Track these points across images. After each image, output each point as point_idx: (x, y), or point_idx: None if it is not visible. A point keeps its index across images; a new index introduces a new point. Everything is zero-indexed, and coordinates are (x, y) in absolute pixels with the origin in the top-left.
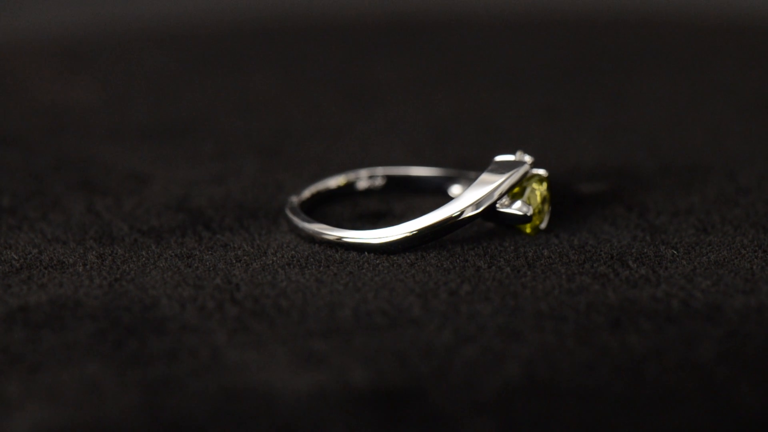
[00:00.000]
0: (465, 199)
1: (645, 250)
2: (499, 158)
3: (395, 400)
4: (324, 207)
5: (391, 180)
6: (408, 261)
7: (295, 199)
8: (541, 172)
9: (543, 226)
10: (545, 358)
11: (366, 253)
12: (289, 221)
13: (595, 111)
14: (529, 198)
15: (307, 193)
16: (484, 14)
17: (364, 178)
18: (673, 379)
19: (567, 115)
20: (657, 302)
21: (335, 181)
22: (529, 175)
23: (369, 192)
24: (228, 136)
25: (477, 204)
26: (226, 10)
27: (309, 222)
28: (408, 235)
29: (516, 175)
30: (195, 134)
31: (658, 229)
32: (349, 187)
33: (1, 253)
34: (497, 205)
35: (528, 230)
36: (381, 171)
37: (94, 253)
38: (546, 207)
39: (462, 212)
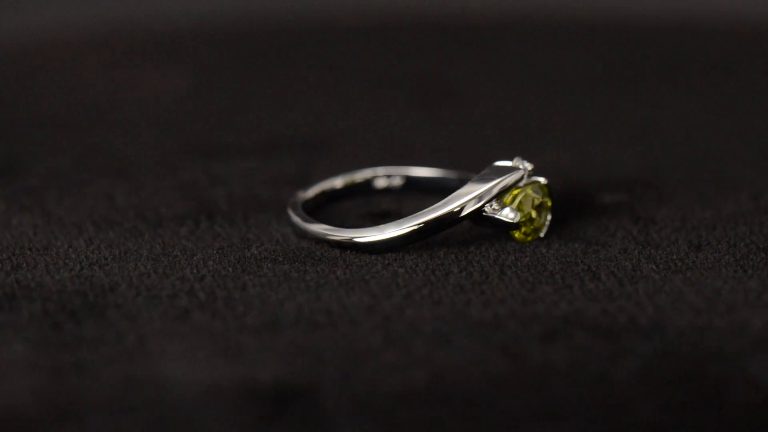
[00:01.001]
0: (447, 203)
1: (625, 264)
2: (497, 163)
3: (285, 399)
4: (335, 205)
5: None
6: (385, 261)
7: (301, 196)
8: (541, 179)
9: (542, 234)
10: (458, 367)
11: (349, 251)
12: (289, 217)
13: (631, 117)
14: (519, 205)
15: (311, 192)
16: (524, 16)
17: (382, 177)
18: (577, 394)
19: (601, 122)
20: (603, 317)
21: (340, 181)
22: (526, 182)
23: (384, 191)
24: (274, 130)
25: (460, 207)
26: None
27: (307, 221)
28: (392, 236)
29: (506, 180)
30: (239, 127)
31: (652, 243)
32: (366, 186)
33: None
34: (485, 210)
35: (520, 237)
36: (383, 171)
37: (85, 236)
38: (543, 215)
39: (443, 215)
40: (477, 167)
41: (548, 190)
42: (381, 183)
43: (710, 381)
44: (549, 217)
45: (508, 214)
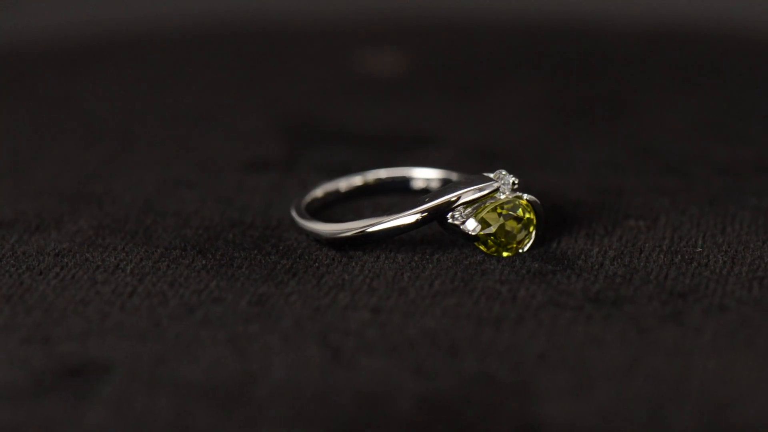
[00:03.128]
0: (405, 208)
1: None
2: (482, 174)
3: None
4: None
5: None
6: (341, 259)
7: (318, 193)
8: (525, 196)
9: (522, 250)
10: (303, 372)
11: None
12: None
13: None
14: (482, 217)
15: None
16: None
17: (419, 179)
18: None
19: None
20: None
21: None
22: (507, 196)
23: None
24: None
25: (418, 213)
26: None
27: (306, 218)
28: (347, 234)
29: (473, 191)
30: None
31: (612, 274)
32: (403, 184)
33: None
34: (448, 218)
35: (485, 250)
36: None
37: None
38: (523, 232)
39: (397, 219)
40: None
41: (533, 207)
42: (419, 184)
43: None
44: (532, 234)
45: (467, 226)
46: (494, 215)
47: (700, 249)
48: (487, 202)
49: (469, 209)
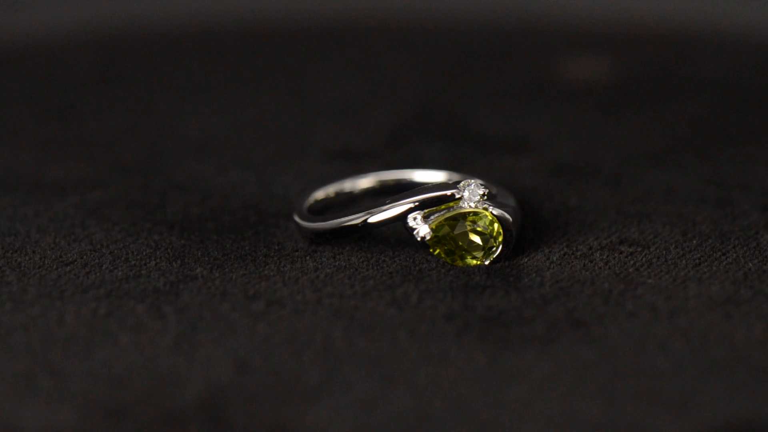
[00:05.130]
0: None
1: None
2: (451, 179)
3: None
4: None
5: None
6: (299, 254)
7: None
8: (493, 210)
9: (486, 261)
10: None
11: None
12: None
13: None
14: (438, 225)
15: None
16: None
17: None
18: None
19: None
20: None
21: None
22: (474, 205)
23: None
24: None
25: (370, 214)
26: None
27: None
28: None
29: (431, 199)
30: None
31: (535, 296)
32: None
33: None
34: (408, 221)
35: (440, 256)
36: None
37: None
38: (471, 243)
39: (352, 220)
40: None
41: (501, 222)
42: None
43: None
44: (495, 248)
45: (420, 231)
46: (447, 224)
47: (650, 280)
48: (448, 211)
49: (428, 215)
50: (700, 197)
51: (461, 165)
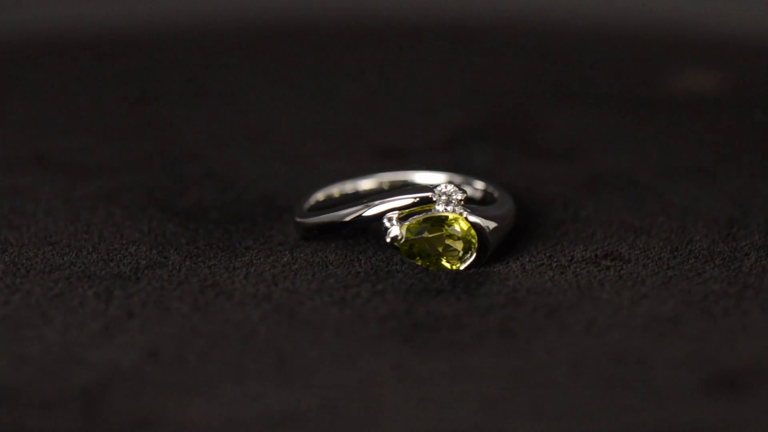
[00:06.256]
0: (343, 208)
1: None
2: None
3: None
4: None
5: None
6: (282, 248)
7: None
8: (469, 217)
9: (461, 267)
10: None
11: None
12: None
13: None
14: (409, 228)
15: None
16: None
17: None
18: None
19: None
20: None
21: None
22: (447, 211)
23: None
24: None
25: (348, 213)
26: None
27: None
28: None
29: (402, 200)
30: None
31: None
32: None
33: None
34: (384, 221)
35: (405, 255)
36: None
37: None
38: (441, 248)
39: (332, 218)
40: None
41: (477, 229)
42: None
43: None
44: (469, 254)
45: (390, 232)
46: (422, 227)
47: (605, 296)
48: (425, 214)
49: (405, 217)
50: (714, 216)
51: (499, 168)
